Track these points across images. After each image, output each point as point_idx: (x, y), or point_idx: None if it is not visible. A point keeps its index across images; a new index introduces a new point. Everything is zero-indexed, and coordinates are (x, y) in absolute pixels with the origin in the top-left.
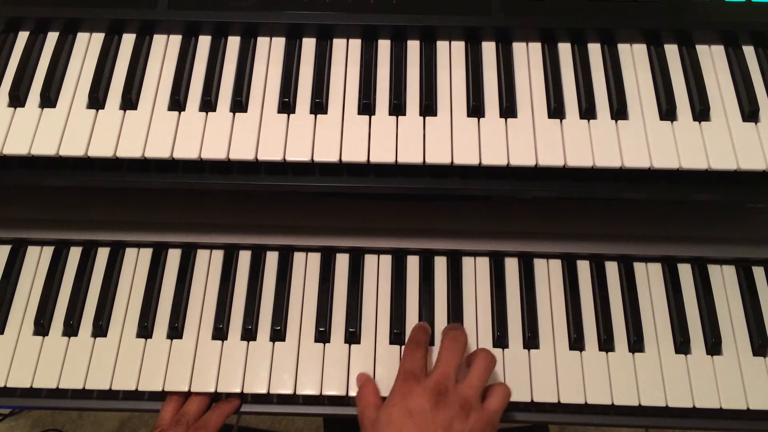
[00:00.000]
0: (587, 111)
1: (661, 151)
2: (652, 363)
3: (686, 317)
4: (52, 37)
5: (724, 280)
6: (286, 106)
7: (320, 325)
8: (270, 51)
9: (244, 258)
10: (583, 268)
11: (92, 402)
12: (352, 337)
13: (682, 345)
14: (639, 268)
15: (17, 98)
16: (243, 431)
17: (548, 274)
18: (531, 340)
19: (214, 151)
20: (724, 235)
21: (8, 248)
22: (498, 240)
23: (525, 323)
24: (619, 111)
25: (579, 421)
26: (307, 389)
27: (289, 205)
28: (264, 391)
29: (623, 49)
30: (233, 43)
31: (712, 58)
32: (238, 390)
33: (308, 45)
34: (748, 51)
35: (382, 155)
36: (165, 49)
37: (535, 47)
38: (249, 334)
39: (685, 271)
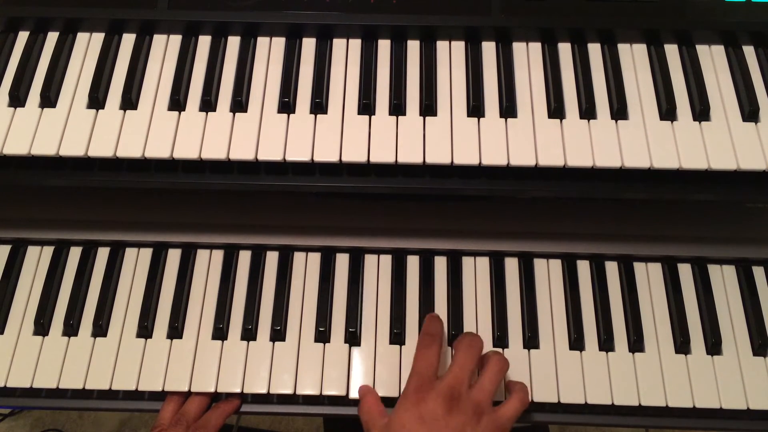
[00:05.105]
0: (587, 111)
1: (661, 151)
2: (652, 363)
3: (686, 317)
4: (52, 37)
5: (724, 280)
6: (286, 106)
7: (320, 325)
8: (270, 51)
9: (244, 258)
10: (583, 268)
11: (92, 402)
12: (352, 337)
13: (682, 345)
14: (639, 268)
15: (17, 98)
16: (243, 431)
17: (548, 274)
18: (531, 340)
19: (214, 151)
20: (724, 235)
21: (8, 248)
22: (498, 240)
23: (525, 323)
24: (619, 111)
25: (579, 421)
26: (307, 389)
27: (289, 205)
28: (264, 391)
29: (623, 49)
30: (233, 43)
31: (712, 58)
32: (238, 390)
33: (308, 45)
34: (748, 51)
35: (382, 155)
36: (165, 49)
37: (535, 47)
38: (249, 334)
39: (685, 271)
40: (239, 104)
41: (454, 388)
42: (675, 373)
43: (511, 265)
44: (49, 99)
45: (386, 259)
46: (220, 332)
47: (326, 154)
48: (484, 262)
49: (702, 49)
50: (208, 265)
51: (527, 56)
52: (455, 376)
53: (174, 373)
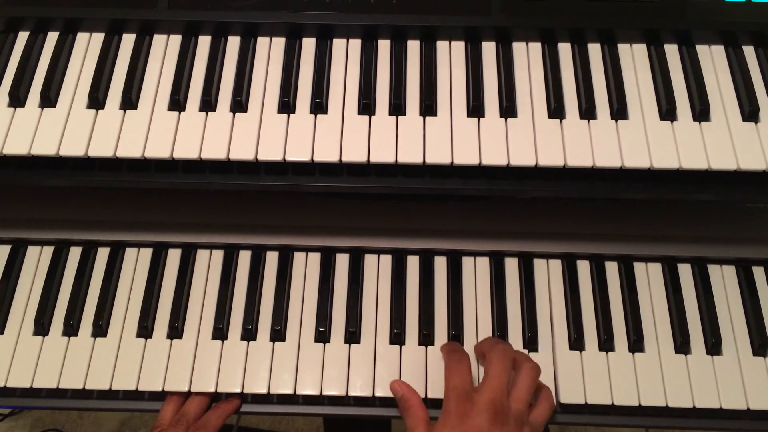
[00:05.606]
0: (587, 111)
1: (661, 151)
2: (652, 363)
3: (686, 317)
4: (52, 37)
5: (724, 280)
6: (286, 106)
7: (320, 325)
8: (270, 51)
9: (244, 258)
10: (583, 268)
11: (92, 402)
12: (352, 337)
13: (682, 345)
14: (639, 268)
15: (17, 98)
16: (243, 431)
17: (548, 274)
18: (531, 341)
19: (214, 151)
20: (724, 235)
21: (8, 248)
22: (498, 240)
23: (525, 323)
24: (619, 111)
25: (579, 421)
26: (307, 389)
27: (289, 205)
28: (264, 391)
29: (623, 49)
30: (233, 43)
31: (712, 58)
32: (238, 390)
33: (308, 45)
34: (748, 51)
35: (382, 155)
36: (165, 49)
37: (535, 47)
38: (249, 334)
39: (685, 271)
40: (239, 104)
41: (496, 401)
42: (675, 373)
43: (511, 265)
44: (49, 99)
45: (386, 259)
46: (220, 332)
47: (326, 154)
48: (484, 262)
49: (702, 49)
50: (208, 265)
51: (527, 56)
52: (495, 389)
53: (174, 373)
